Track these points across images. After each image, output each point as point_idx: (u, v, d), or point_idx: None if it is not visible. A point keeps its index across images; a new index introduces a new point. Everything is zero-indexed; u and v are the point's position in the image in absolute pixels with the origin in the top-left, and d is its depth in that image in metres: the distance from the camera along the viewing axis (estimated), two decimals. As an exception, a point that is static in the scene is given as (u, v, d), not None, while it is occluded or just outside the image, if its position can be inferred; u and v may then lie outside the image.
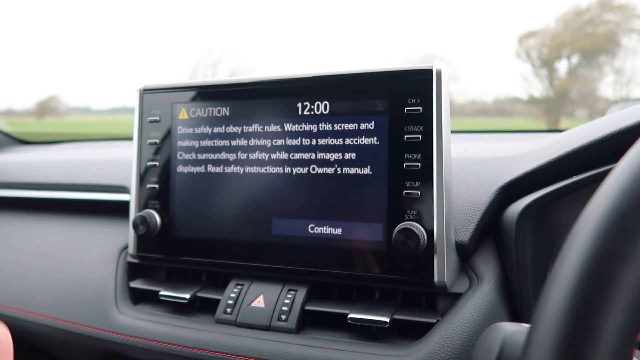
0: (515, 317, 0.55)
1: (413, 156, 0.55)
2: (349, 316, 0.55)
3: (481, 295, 0.54)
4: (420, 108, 0.55)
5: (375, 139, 0.57)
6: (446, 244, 0.54)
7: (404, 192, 0.56)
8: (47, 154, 1.18)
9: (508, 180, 0.60)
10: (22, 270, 0.80)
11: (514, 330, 0.36)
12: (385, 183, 0.57)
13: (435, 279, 0.54)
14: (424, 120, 0.55)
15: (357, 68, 0.60)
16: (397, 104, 0.57)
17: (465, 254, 0.58)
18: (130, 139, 1.44)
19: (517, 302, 0.55)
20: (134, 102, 0.71)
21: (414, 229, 0.53)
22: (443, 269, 0.54)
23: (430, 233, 0.54)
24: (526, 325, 0.42)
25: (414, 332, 0.56)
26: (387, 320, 0.54)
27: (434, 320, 0.54)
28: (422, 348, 0.52)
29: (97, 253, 0.77)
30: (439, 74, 0.55)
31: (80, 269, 0.75)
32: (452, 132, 0.58)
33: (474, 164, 0.67)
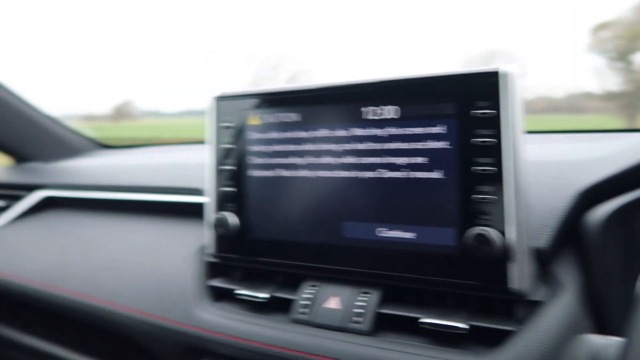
0: (601, 328, 0.52)
1: (485, 160, 0.54)
2: (424, 321, 0.55)
3: (564, 303, 0.52)
4: (490, 111, 0.54)
5: (444, 142, 0.57)
6: (522, 249, 0.52)
7: (477, 196, 0.55)
8: (127, 158, 1.26)
9: (589, 184, 0.57)
10: (112, 267, 0.85)
11: (603, 343, 0.34)
12: (457, 187, 0.56)
13: (511, 285, 0.53)
14: (495, 123, 0.54)
15: (423, 72, 0.60)
16: (466, 107, 0.56)
17: (543, 260, 0.56)
18: (201, 142, 1.50)
19: (602, 312, 0.53)
20: (208, 108, 0.75)
21: (488, 234, 0.52)
22: (519, 275, 0.52)
23: (505, 238, 0.53)
24: (616, 339, 0.40)
25: (490, 339, 0.55)
26: (463, 326, 0.53)
27: (513, 329, 0.53)
28: (502, 357, 0.51)
29: (178, 252, 0.81)
30: (507, 76, 0.53)
31: (164, 267, 0.79)
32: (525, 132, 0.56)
33: (549, 166, 0.64)
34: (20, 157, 1.35)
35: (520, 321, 0.54)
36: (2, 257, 1.05)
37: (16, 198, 1.21)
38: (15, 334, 1.10)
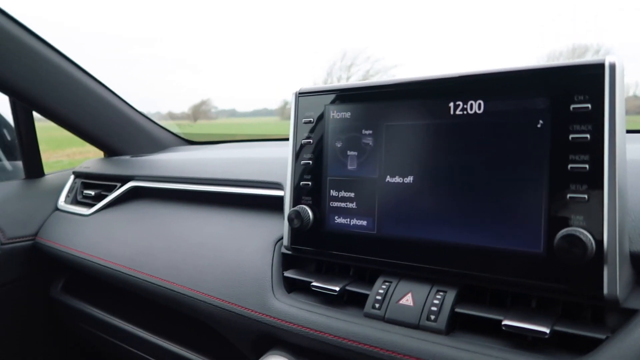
0: None
1: (580, 157, 0.51)
2: (504, 323, 0.53)
3: (664, 313, 0.48)
4: (589, 105, 0.51)
5: (535, 139, 0.54)
6: (618, 253, 0.49)
7: (569, 195, 0.52)
8: (210, 153, 1.32)
9: None
10: (193, 255, 0.90)
11: None
12: (547, 186, 0.53)
13: (605, 291, 0.49)
14: (594, 119, 0.51)
15: (514, 65, 0.57)
16: (561, 102, 0.53)
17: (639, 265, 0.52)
18: (278, 139, 1.55)
19: None
20: (291, 104, 0.77)
21: (580, 236, 0.49)
22: (615, 280, 0.49)
23: (599, 241, 0.49)
24: None
25: (576, 347, 0.52)
26: (547, 330, 0.50)
27: (603, 337, 0.49)
28: (591, 365, 0.48)
29: (255, 243, 0.84)
30: (612, 68, 0.50)
31: (241, 257, 0.82)
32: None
33: None
34: (111, 150, 1.46)
35: (611, 329, 0.50)
36: (93, 241, 1.14)
37: (107, 188, 1.30)
38: (101, 313, 1.19)
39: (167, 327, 1.07)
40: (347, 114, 0.70)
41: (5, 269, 1.25)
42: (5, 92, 1.24)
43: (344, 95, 0.71)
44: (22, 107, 1.40)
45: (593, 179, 0.50)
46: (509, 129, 0.56)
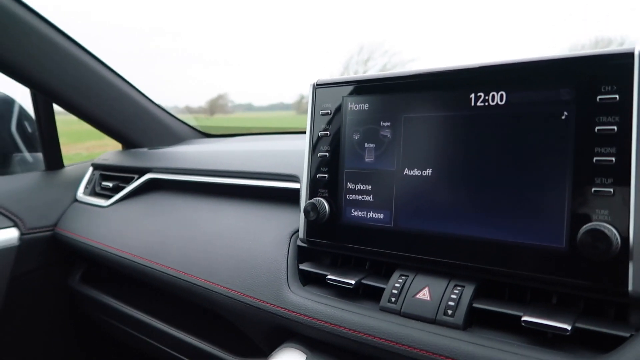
0: None
1: (606, 150, 0.50)
2: (523, 319, 0.52)
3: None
4: (617, 96, 0.49)
5: (559, 131, 0.53)
6: (645, 249, 0.47)
7: (593, 189, 0.50)
8: (226, 146, 1.32)
9: None
10: (208, 246, 0.90)
11: None
12: (570, 179, 0.52)
13: (630, 287, 0.48)
14: (621, 110, 0.49)
15: (537, 55, 0.56)
16: (587, 92, 0.51)
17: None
18: (295, 132, 1.54)
19: None
20: (309, 95, 0.76)
21: (605, 231, 0.48)
22: (639, 277, 0.47)
23: (625, 236, 0.48)
24: None
25: (597, 344, 0.50)
26: (569, 327, 0.49)
27: (627, 335, 0.48)
28: (614, 363, 0.46)
29: (270, 235, 0.83)
30: None
31: (256, 249, 0.82)
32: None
33: None
34: (130, 143, 1.47)
35: (635, 327, 0.49)
36: (111, 232, 1.15)
37: (125, 180, 1.32)
38: (117, 303, 1.20)
39: (182, 318, 1.07)
40: (365, 106, 0.69)
41: (26, 258, 1.27)
42: (26, 85, 1.26)
43: (362, 87, 0.70)
44: (43, 99, 1.42)
45: (619, 172, 0.49)
46: (532, 121, 0.54)
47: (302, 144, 0.77)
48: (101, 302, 1.25)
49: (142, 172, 1.27)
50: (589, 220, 0.50)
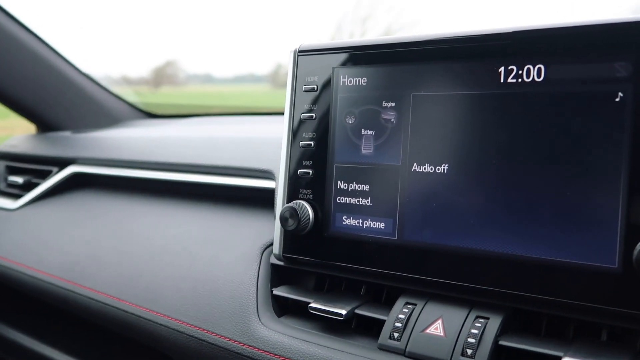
0: None
1: (671, 143, 0.52)
2: (564, 360, 0.54)
3: None
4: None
5: (612, 117, 0.54)
6: None
7: (656, 193, 0.52)
8: (177, 130, 1.33)
9: None
10: (152, 264, 0.91)
11: None
12: (626, 180, 0.53)
13: (700, 320, 0.50)
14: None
15: (585, 19, 0.57)
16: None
17: None
18: (269, 113, 1.55)
19: None
20: (288, 66, 0.77)
21: (669, 248, 0.50)
22: None
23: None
24: None
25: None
26: (622, 372, 0.51)
27: (695, 380, 0.50)
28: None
29: (235, 250, 0.84)
30: None
31: (216, 268, 0.83)
32: None
33: None
34: (46, 124, 1.46)
35: None
36: (20, 244, 1.15)
37: (40, 174, 1.31)
38: (27, 339, 1.20)
39: (115, 359, 1.08)
40: (363, 80, 0.70)
41: None
42: None
43: (359, 55, 0.71)
44: None
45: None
46: (578, 103, 0.56)
47: (279, 128, 0.78)
48: (6, 339, 1.24)
49: (63, 163, 1.27)
50: (649, 233, 0.52)
